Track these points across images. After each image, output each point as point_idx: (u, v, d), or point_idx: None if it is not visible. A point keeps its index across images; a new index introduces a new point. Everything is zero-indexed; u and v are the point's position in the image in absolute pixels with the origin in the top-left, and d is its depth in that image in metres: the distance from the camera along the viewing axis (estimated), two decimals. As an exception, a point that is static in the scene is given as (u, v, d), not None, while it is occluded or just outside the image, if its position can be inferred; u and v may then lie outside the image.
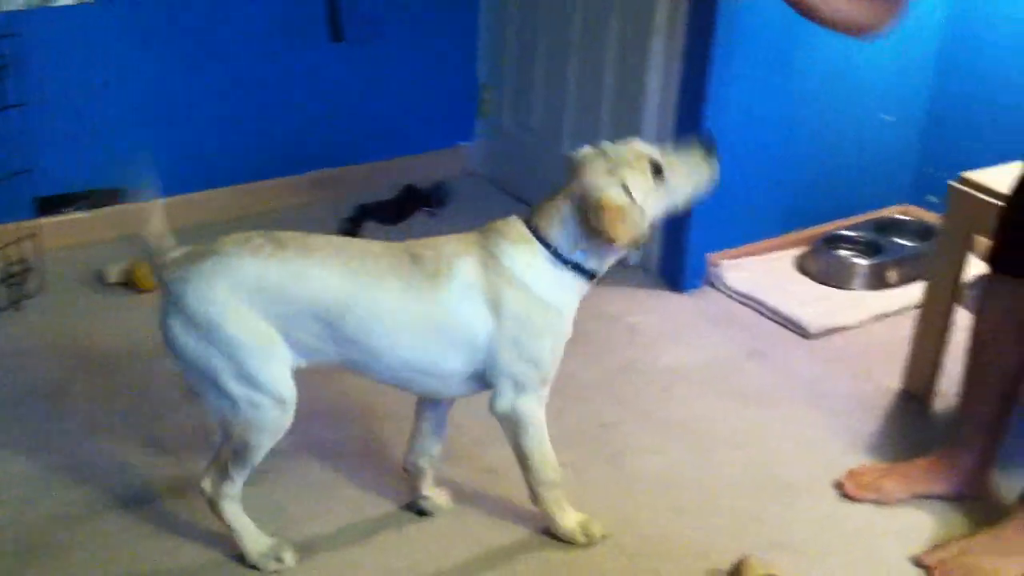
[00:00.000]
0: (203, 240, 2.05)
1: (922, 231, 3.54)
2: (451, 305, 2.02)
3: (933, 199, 3.63)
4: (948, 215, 2.66)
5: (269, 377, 2.00)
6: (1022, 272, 2.26)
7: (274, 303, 1.98)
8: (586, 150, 2.08)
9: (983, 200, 2.51)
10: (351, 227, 3.58)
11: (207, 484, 2.12)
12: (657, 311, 3.25)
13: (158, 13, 3.38)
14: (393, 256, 2.05)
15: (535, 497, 2.25)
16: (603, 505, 2.37)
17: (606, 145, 2.07)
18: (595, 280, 2.10)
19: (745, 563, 2.12)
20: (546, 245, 2.04)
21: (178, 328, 1.99)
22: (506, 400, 2.10)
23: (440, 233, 2.10)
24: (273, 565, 2.15)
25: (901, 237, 3.56)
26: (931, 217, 3.59)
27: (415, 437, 2.32)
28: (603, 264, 2.09)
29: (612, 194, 1.99)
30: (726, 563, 2.20)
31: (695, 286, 3.38)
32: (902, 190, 3.77)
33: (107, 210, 3.44)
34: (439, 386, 2.13)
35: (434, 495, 2.35)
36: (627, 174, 2.01)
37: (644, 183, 2.03)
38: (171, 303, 2.00)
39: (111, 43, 3.35)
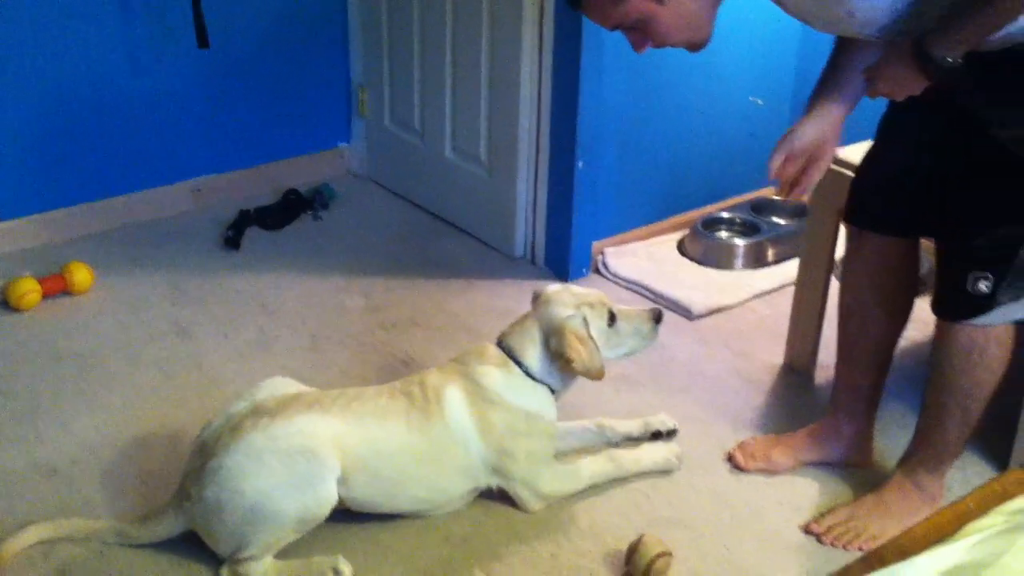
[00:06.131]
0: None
1: (796, 210, 3.64)
2: (448, 434, 2.25)
3: (805, 178, 3.73)
4: (816, 192, 2.71)
5: None
6: (862, 221, 2.35)
7: None
8: (556, 287, 2.40)
9: (848, 176, 2.58)
10: (234, 235, 3.54)
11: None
12: (545, 301, 3.27)
13: (24, 25, 3.30)
14: (389, 398, 2.27)
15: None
16: (497, 494, 2.40)
17: (573, 287, 2.41)
18: (557, 395, 2.38)
19: (641, 542, 2.16)
20: (519, 363, 2.32)
21: None
22: (532, 501, 2.35)
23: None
24: None
25: (777, 216, 3.66)
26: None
27: None
28: (563, 385, 2.38)
29: (574, 324, 2.29)
30: (621, 543, 2.24)
31: (582, 275, 3.42)
32: (775, 171, 3.86)
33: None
34: (444, 505, 2.33)
35: None
36: (588, 312, 2.32)
37: (600, 323, 2.34)
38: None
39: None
